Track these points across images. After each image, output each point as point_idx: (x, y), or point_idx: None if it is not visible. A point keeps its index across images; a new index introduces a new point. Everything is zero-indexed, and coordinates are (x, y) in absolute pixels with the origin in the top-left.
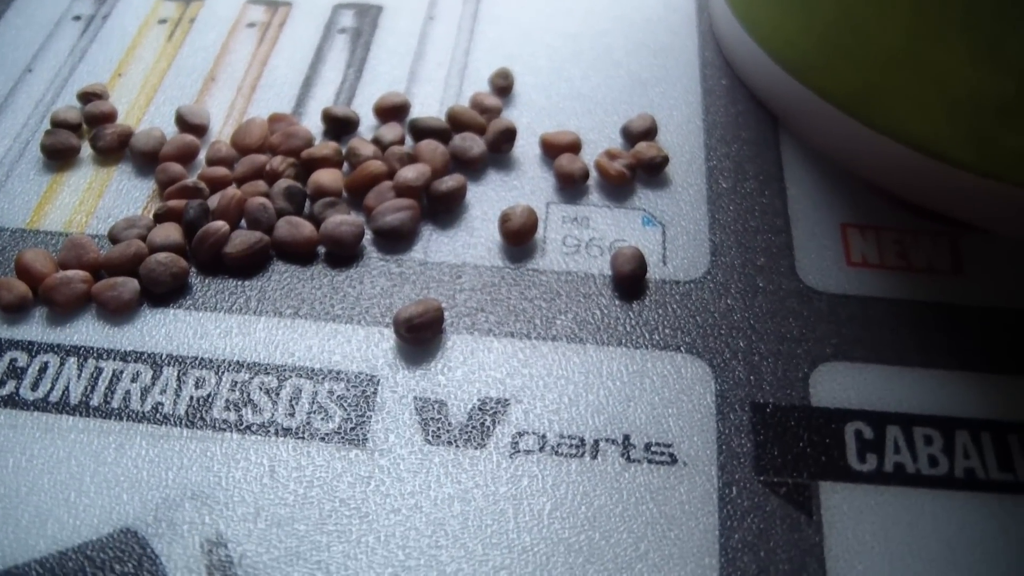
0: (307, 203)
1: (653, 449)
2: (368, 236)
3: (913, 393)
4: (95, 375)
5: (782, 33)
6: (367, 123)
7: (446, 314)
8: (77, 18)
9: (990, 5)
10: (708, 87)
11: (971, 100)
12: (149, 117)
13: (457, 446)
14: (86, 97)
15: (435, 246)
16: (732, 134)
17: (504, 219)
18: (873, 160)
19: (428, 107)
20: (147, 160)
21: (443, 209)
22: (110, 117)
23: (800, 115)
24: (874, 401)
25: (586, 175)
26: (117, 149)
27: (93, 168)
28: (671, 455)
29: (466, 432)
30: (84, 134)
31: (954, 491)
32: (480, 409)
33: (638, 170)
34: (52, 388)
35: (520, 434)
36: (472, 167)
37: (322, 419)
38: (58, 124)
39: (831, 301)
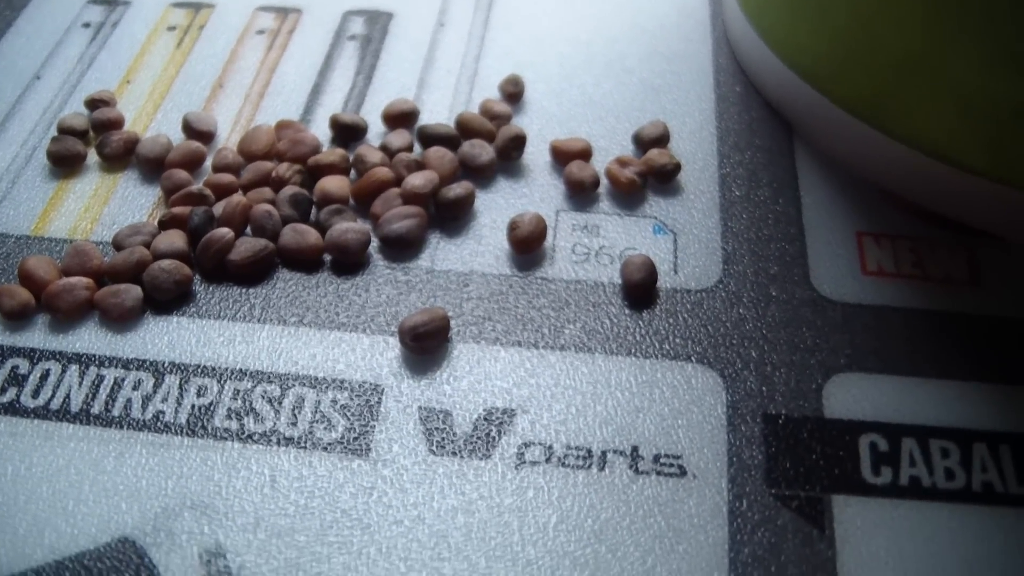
0: (313, 210)
1: (662, 461)
2: (374, 244)
3: (929, 405)
4: (96, 383)
5: (796, 39)
6: (375, 130)
7: (452, 323)
8: (86, 25)
9: (1006, 8)
10: (722, 94)
11: (987, 105)
12: (156, 124)
13: (462, 457)
14: (93, 104)
15: (442, 254)
16: (746, 141)
17: (512, 227)
18: (889, 167)
19: (437, 114)
20: (153, 167)
21: (451, 217)
22: (117, 124)
23: (815, 122)
24: (889, 413)
25: (596, 183)
26: (123, 156)
27: (99, 175)
28: (680, 467)
29: (471, 443)
30: (91, 141)
31: (972, 505)
32: (486, 419)
33: (649, 178)
34: (53, 396)
35: (526, 445)
36: (481, 174)
37: (325, 428)
38: (65, 131)
39: (845, 311)
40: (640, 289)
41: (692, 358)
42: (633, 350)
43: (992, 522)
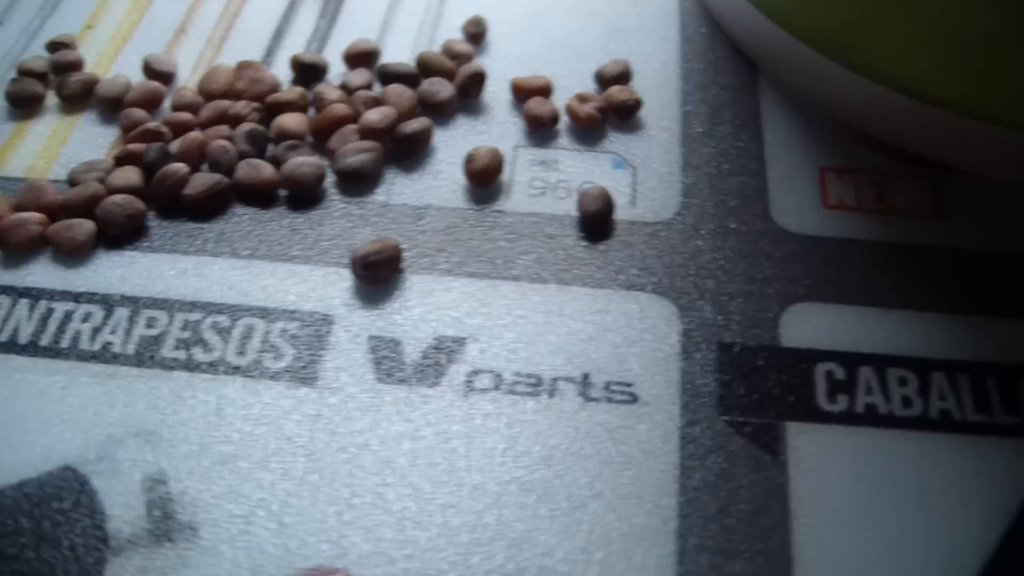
0: (270, 147)
1: (613, 388)
2: (330, 178)
3: (888, 335)
4: (46, 316)
5: None
6: (337, 71)
7: (406, 254)
8: None
9: None
10: (687, 35)
11: (958, 35)
12: (117, 67)
13: (410, 384)
14: (54, 47)
15: (398, 188)
16: (709, 79)
17: (468, 160)
18: (854, 103)
19: (400, 55)
20: (112, 107)
21: (408, 152)
22: (76, 66)
23: (778, 58)
24: (847, 342)
25: (555, 118)
26: (82, 97)
27: (58, 116)
28: (631, 394)
29: (420, 371)
30: (51, 83)
31: (928, 432)
32: (435, 348)
33: (610, 114)
34: (2, 329)
35: (475, 372)
36: (440, 111)
37: (273, 358)
38: (24, 72)
39: (805, 243)
40: (596, 220)
41: (647, 288)
42: (587, 280)
43: (948, 449)
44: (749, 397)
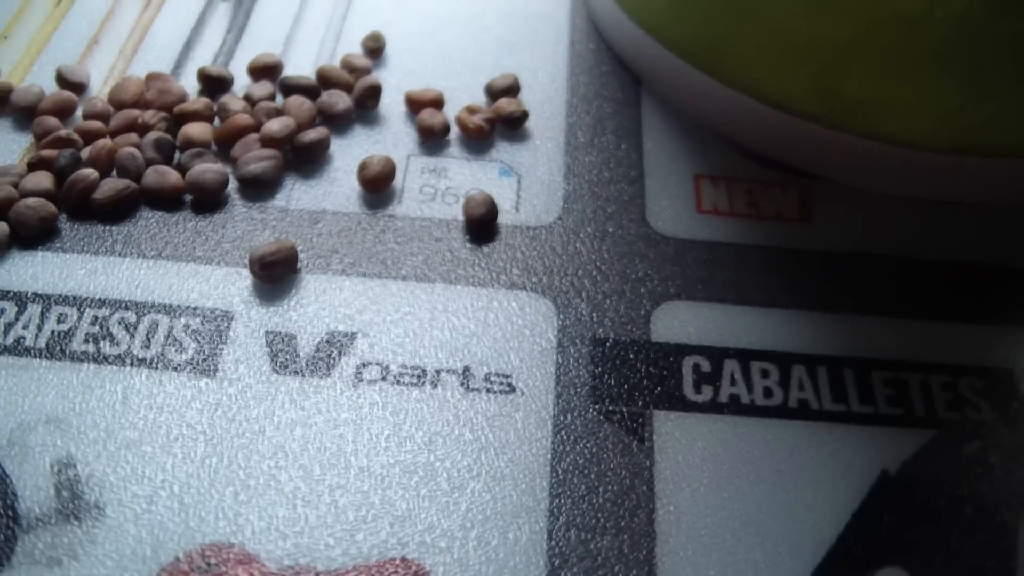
0: (177, 154)
1: (492, 379)
2: (233, 184)
3: (753, 331)
4: None
5: None
6: (242, 83)
7: (302, 256)
8: None
9: None
10: (576, 51)
11: (811, 50)
12: (32, 77)
13: (303, 376)
14: None
15: (297, 194)
16: (595, 92)
17: (362, 167)
18: (726, 114)
19: (302, 68)
20: (25, 115)
21: (306, 160)
22: None
23: (658, 73)
24: (714, 337)
25: (446, 129)
26: None
27: None
28: (509, 384)
29: (313, 363)
30: None
31: (787, 420)
32: (328, 342)
33: (498, 125)
34: None
35: (364, 365)
36: (337, 121)
37: (176, 351)
38: None
39: (678, 245)
40: (480, 224)
41: (527, 287)
42: (471, 280)
43: (805, 435)
44: (620, 388)
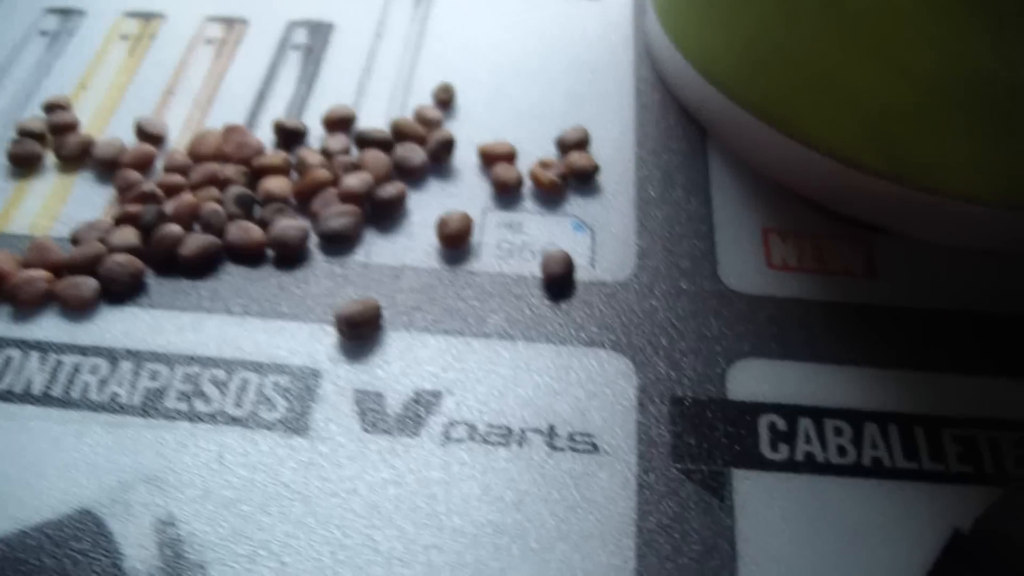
0: (257, 209)
1: (576, 438)
2: (313, 239)
3: (825, 388)
4: (56, 368)
5: (709, 50)
6: (316, 134)
7: (385, 312)
8: (44, 33)
9: (890, 24)
10: (642, 102)
11: (878, 110)
12: (111, 128)
13: (392, 435)
14: (50, 108)
15: (376, 249)
16: (662, 145)
17: (441, 224)
18: (793, 168)
19: (374, 120)
20: (107, 168)
21: (385, 215)
22: (73, 127)
23: (726, 127)
24: (788, 395)
25: (520, 183)
26: (79, 157)
27: (56, 175)
28: (593, 444)
29: (401, 422)
30: (48, 143)
31: (861, 478)
32: (415, 400)
33: (570, 179)
34: (15, 380)
35: (452, 424)
36: (413, 176)
37: (267, 409)
38: (24, 133)
39: (750, 302)
40: (558, 281)
41: (606, 345)
42: (551, 337)
43: (879, 494)
44: (699, 446)
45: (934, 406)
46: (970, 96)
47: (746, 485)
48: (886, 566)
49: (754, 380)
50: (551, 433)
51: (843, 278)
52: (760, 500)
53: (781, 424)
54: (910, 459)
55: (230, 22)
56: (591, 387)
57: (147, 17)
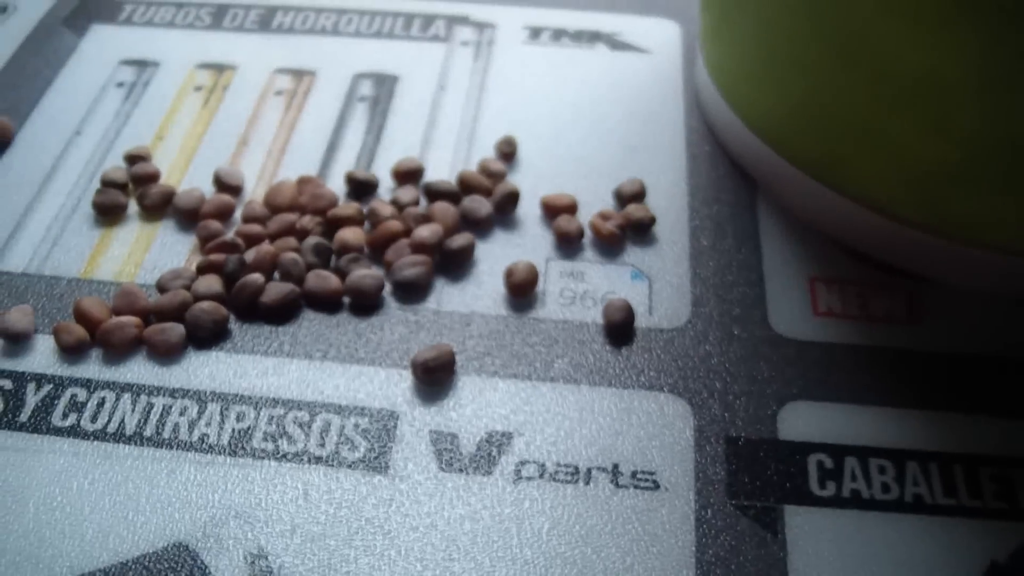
0: (333, 258)
1: (638, 476)
2: (388, 288)
3: (869, 428)
4: (147, 409)
5: (759, 107)
6: (385, 185)
7: (457, 357)
8: (120, 85)
9: (936, 91)
10: (693, 153)
11: (924, 168)
12: (189, 177)
13: (467, 473)
14: (132, 159)
15: (447, 297)
16: (713, 196)
17: (508, 273)
18: (840, 221)
19: (440, 171)
20: (188, 217)
21: (454, 264)
22: (154, 177)
23: (775, 180)
24: (834, 435)
25: (581, 234)
26: (161, 207)
27: (139, 224)
28: (654, 481)
29: (475, 461)
30: (130, 192)
31: (903, 514)
32: (487, 441)
33: (628, 230)
34: (109, 420)
35: (522, 463)
36: (480, 226)
37: (349, 449)
38: (108, 183)
39: (799, 347)
40: (619, 328)
41: (664, 388)
42: (613, 381)
43: (921, 528)
44: (752, 484)
45: (972, 446)
46: (1009, 156)
47: (797, 520)
48: None
49: (803, 421)
50: (615, 471)
51: (886, 325)
52: (810, 534)
53: (829, 463)
54: (949, 496)
55: (299, 74)
56: (651, 428)
57: (219, 69)
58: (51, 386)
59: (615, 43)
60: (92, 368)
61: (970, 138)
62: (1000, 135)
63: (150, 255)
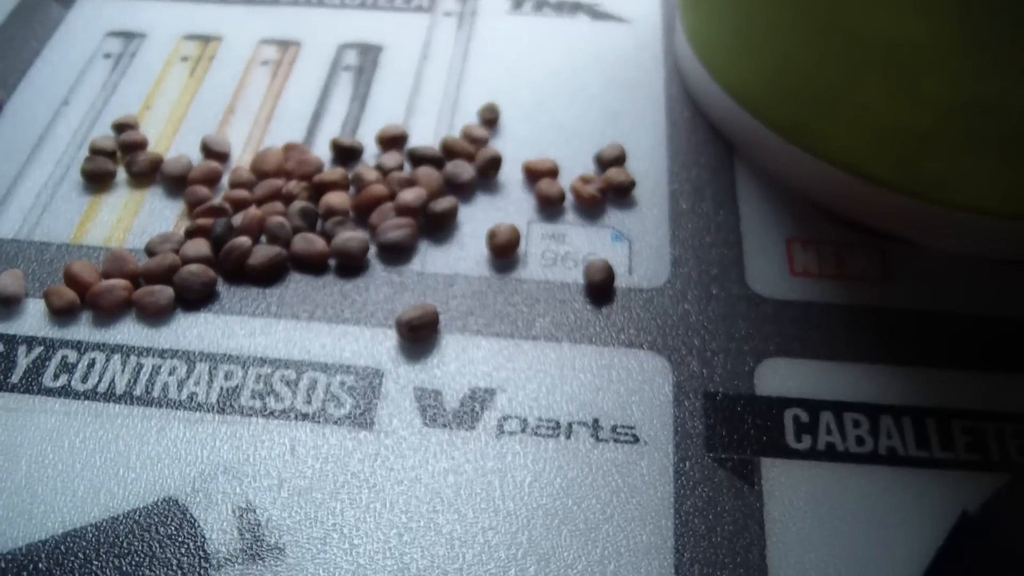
0: (319, 222)
1: (618, 430)
2: (373, 250)
3: (844, 384)
4: (137, 369)
5: (736, 72)
6: (370, 151)
7: (441, 317)
8: (107, 56)
9: (907, 56)
10: (672, 119)
11: (895, 131)
12: (176, 145)
13: (451, 428)
14: (120, 127)
15: (431, 259)
16: (692, 160)
17: (491, 235)
18: (815, 183)
19: (424, 137)
20: (176, 183)
21: (438, 227)
22: (142, 145)
23: (752, 144)
24: (810, 390)
25: (563, 197)
26: (149, 174)
27: (128, 190)
28: (634, 435)
29: (459, 416)
30: (119, 160)
31: (877, 466)
32: (471, 397)
33: (608, 193)
34: (100, 380)
35: (505, 418)
36: (463, 190)
37: (335, 406)
38: (96, 151)
39: (775, 306)
40: (600, 288)
41: (644, 346)
42: (594, 339)
43: (893, 480)
44: (730, 437)
45: (944, 400)
46: (977, 118)
47: (773, 472)
48: (900, 545)
49: (779, 377)
50: (595, 426)
51: (860, 284)
52: (786, 485)
53: (804, 417)
54: (922, 448)
55: (284, 44)
56: (631, 384)
57: (205, 39)
58: (42, 348)
59: (596, 13)
60: (82, 330)
61: (939, 100)
62: (968, 97)
63: (139, 220)
